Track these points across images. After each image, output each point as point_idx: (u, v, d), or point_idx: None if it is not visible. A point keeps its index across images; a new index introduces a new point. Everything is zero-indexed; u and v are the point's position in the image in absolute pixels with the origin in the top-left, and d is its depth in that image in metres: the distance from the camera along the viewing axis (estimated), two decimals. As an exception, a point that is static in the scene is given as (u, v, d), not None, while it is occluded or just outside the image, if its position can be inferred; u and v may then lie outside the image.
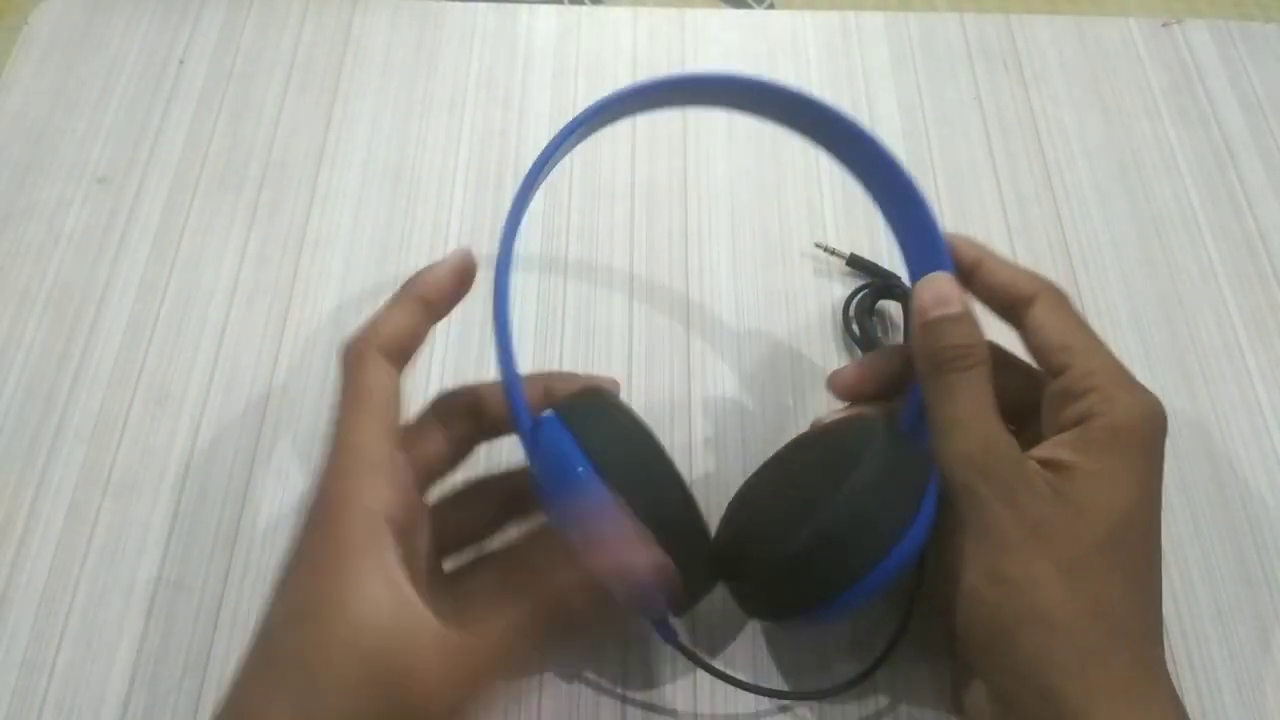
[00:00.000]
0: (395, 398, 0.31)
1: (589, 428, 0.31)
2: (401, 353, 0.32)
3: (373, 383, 0.31)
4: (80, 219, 0.47)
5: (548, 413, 0.32)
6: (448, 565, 0.35)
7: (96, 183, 0.48)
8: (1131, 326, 0.45)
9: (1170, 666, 0.37)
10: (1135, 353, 0.45)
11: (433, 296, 0.33)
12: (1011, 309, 0.34)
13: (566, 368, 0.44)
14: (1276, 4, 0.58)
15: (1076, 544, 0.30)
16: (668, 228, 0.48)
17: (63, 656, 0.37)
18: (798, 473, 0.35)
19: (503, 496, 0.36)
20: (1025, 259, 0.47)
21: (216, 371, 0.43)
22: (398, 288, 0.33)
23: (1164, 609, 0.38)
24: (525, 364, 0.44)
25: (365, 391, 0.30)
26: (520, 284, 0.46)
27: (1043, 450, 0.32)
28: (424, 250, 0.47)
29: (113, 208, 0.48)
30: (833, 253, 0.46)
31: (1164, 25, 0.56)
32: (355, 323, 0.45)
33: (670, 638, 0.33)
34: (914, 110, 0.52)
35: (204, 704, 0.36)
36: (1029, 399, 0.34)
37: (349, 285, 0.46)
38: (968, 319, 0.33)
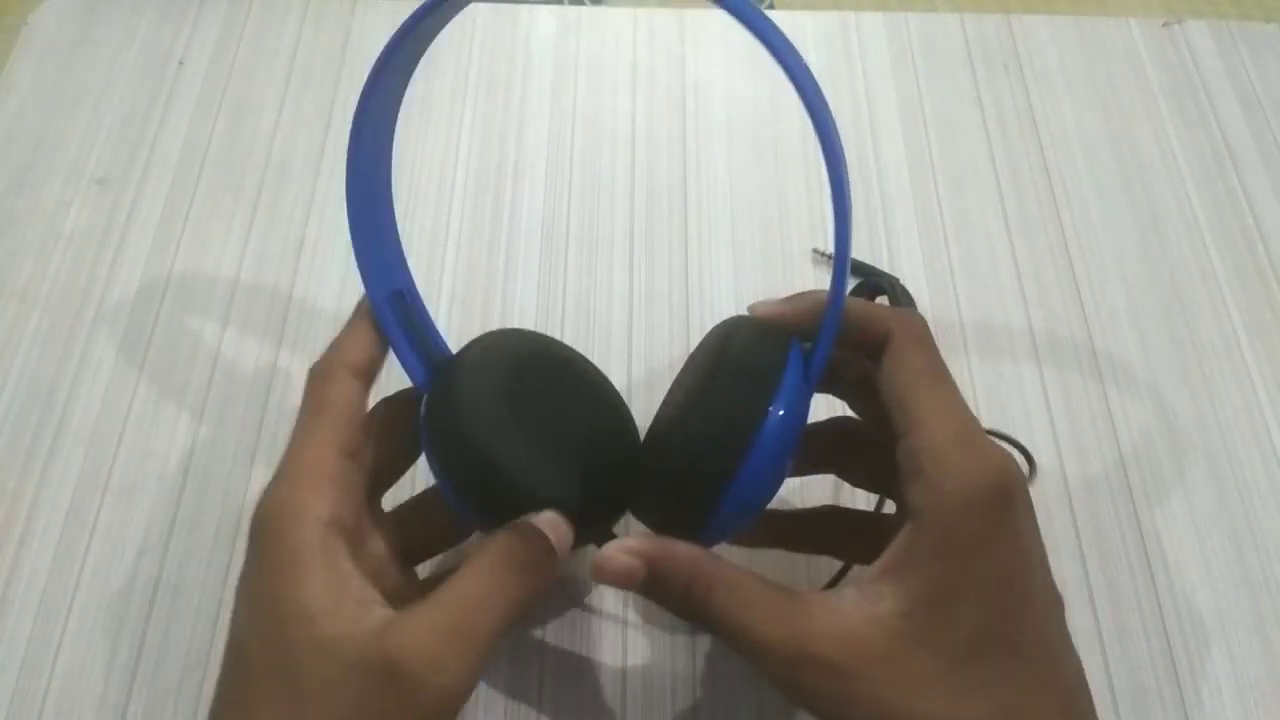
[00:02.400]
0: (357, 411, 0.32)
1: (444, 422, 0.31)
2: (369, 370, 0.33)
3: (335, 396, 0.31)
4: (80, 219, 0.47)
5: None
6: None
7: (96, 183, 0.48)
8: (1131, 326, 0.45)
9: (1170, 667, 0.37)
10: (1135, 353, 0.45)
11: None
12: (873, 354, 0.31)
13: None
14: (1276, 4, 0.58)
15: (952, 690, 0.26)
16: (668, 227, 0.48)
17: (63, 656, 0.37)
18: (675, 394, 0.34)
19: None
20: (1025, 259, 0.47)
21: (216, 371, 0.43)
22: (353, 309, 0.34)
23: (1163, 609, 0.38)
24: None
25: (325, 404, 0.31)
26: (520, 283, 0.46)
27: (875, 579, 0.28)
28: (424, 251, 0.47)
29: (113, 208, 0.48)
30: (828, 257, 0.46)
31: (1164, 25, 0.56)
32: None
33: None
34: (914, 110, 0.52)
35: (204, 704, 0.36)
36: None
37: (349, 286, 0.46)
38: (665, 571, 0.29)
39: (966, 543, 0.27)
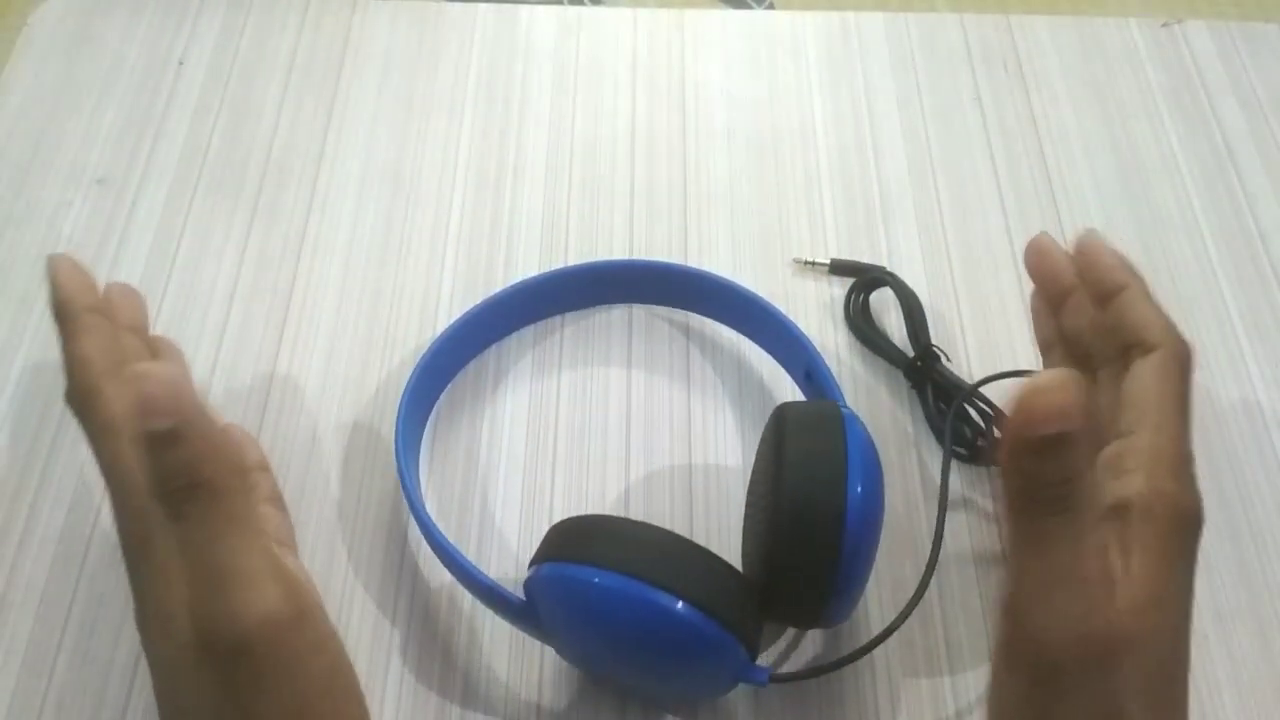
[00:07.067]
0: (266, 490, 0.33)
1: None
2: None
3: (247, 500, 0.28)
4: (80, 219, 0.47)
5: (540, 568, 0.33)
6: None
7: (96, 183, 0.48)
8: (1131, 327, 0.45)
9: (1170, 667, 0.37)
10: (1135, 353, 0.45)
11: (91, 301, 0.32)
12: (1125, 349, 0.32)
13: (566, 368, 0.44)
14: (1276, 4, 0.58)
15: (1149, 690, 0.27)
16: (667, 227, 0.48)
17: (63, 657, 0.37)
18: (759, 496, 0.36)
19: None
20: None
21: (216, 372, 0.43)
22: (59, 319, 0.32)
23: (1164, 609, 0.38)
24: (525, 363, 0.44)
25: (238, 514, 0.27)
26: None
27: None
28: (423, 251, 0.47)
29: (113, 208, 0.48)
30: (813, 264, 0.46)
31: (1164, 25, 0.56)
32: (354, 323, 0.45)
33: (763, 679, 0.33)
34: (914, 111, 0.52)
35: (204, 704, 0.36)
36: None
37: (348, 286, 0.46)
38: (1077, 442, 0.25)
39: (1182, 553, 0.28)
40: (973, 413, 0.40)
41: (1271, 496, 0.41)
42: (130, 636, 0.37)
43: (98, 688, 0.36)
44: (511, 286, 0.43)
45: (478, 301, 0.42)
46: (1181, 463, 0.29)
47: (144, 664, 0.36)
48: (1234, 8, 0.57)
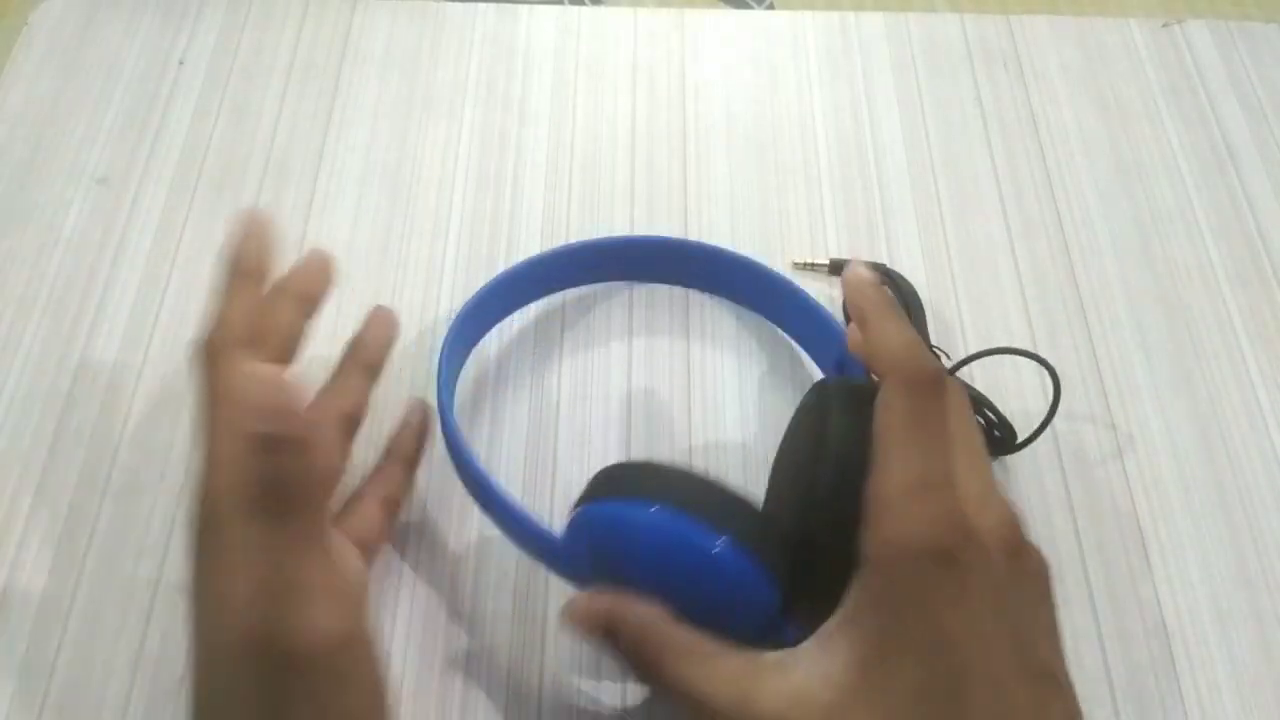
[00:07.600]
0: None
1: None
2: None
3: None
4: (80, 219, 0.47)
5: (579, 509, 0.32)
6: None
7: (96, 183, 0.48)
8: (1131, 326, 0.45)
9: (1170, 667, 0.37)
10: (1135, 352, 0.45)
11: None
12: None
13: (565, 367, 0.44)
14: (1276, 4, 0.58)
15: None
16: (667, 227, 0.48)
17: (63, 657, 0.37)
18: (791, 467, 0.36)
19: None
20: (1025, 259, 0.47)
21: (216, 372, 0.43)
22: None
23: (1163, 609, 0.38)
24: (524, 362, 0.44)
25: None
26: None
27: (834, 629, 0.28)
28: (423, 251, 0.47)
29: (113, 208, 0.48)
30: (813, 267, 0.46)
31: (1164, 25, 0.56)
32: (353, 324, 0.45)
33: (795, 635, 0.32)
34: (914, 110, 0.52)
35: (204, 704, 0.36)
36: None
37: (348, 286, 0.46)
38: (619, 625, 0.30)
39: (903, 597, 0.26)
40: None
41: (1272, 496, 0.41)
42: (131, 637, 0.37)
43: (98, 688, 0.36)
44: (524, 262, 0.43)
45: (477, 289, 0.42)
46: (908, 494, 0.27)
47: (144, 665, 0.37)
48: (1234, 8, 0.57)
